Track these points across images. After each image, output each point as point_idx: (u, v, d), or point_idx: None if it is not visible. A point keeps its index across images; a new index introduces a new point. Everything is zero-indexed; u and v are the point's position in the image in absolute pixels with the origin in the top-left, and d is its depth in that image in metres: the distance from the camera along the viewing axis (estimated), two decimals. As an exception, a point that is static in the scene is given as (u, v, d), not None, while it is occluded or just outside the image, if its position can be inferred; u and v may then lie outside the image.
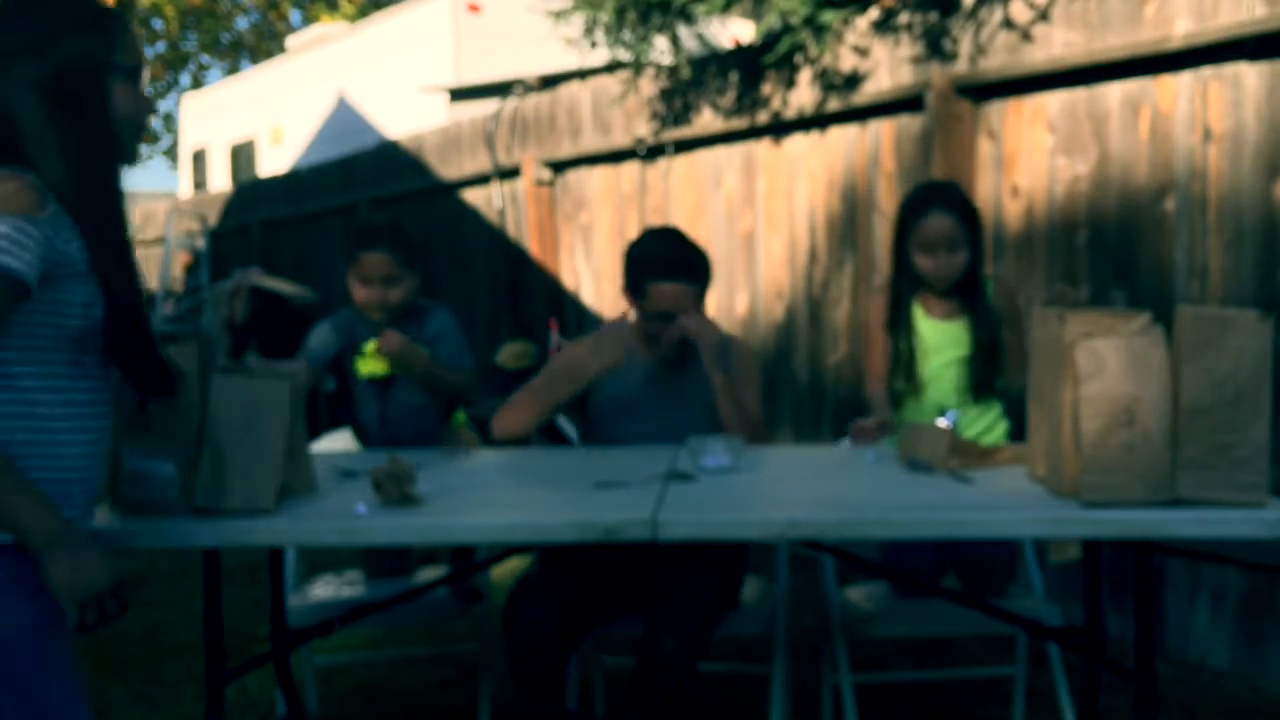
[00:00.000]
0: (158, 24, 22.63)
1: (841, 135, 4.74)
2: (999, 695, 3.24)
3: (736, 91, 5.15)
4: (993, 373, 2.96)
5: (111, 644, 3.97)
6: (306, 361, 3.14)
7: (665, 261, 2.79)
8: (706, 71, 5.29)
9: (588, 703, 3.25)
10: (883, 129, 4.55)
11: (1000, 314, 2.97)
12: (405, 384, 3.16)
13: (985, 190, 4.14)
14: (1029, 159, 4.00)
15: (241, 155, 14.41)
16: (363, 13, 21.58)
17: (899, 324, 2.96)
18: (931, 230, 2.87)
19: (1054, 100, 3.91)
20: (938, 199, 2.91)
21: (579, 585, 2.64)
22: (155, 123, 24.68)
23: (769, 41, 4.84)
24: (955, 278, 2.90)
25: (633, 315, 2.92)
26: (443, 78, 10.39)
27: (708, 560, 2.69)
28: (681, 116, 5.48)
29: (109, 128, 1.76)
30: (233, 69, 23.96)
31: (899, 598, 2.90)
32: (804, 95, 4.79)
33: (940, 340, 2.95)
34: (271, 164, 13.29)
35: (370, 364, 3.19)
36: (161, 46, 23.45)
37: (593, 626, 2.68)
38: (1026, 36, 3.93)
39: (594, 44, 5.23)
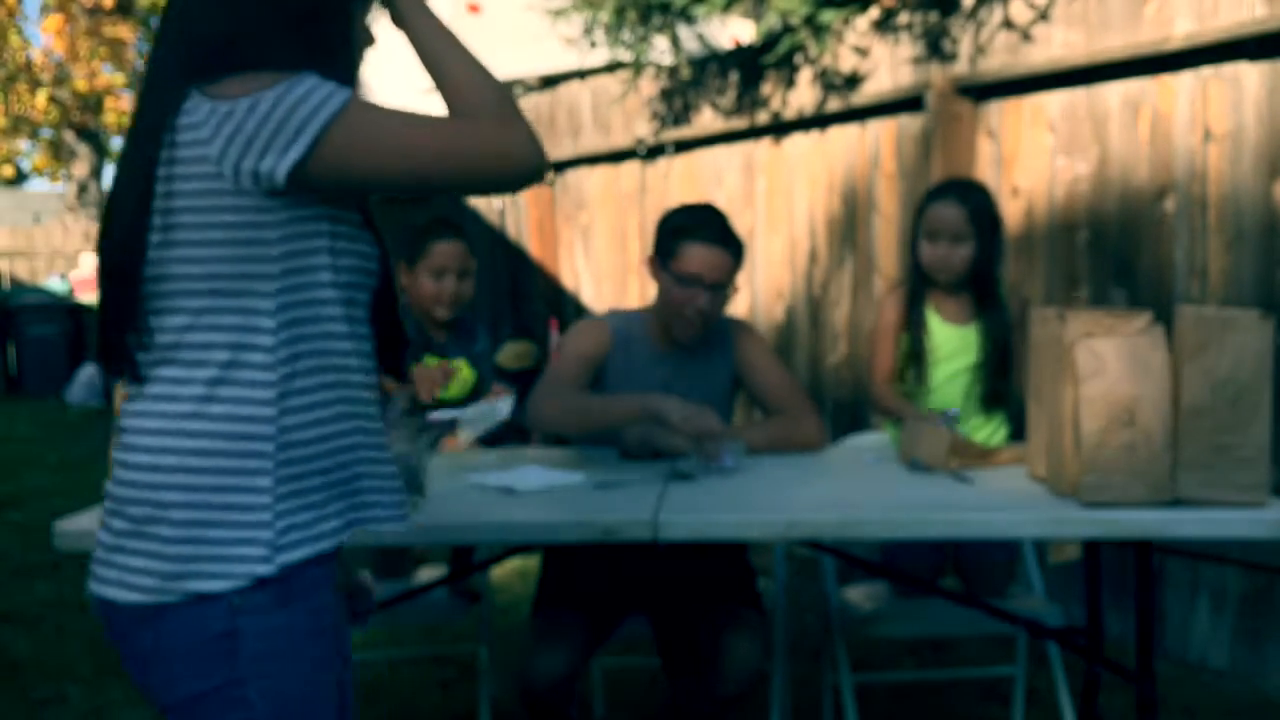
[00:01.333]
0: (157, 24, 22.64)
1: (841, 135, 4.74)
2: (999, 695, 3.24)
3: (736, 91, 5.15)
4: (1003, 382, 2.92)
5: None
6: None
7: (705, 225, 2.66)
8: (706, 71, 5.29)
9: (586, 703, 3.25)
10: (883, 129, 4.55)
11: (1014, 319, 2.94)
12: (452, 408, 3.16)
13: (985, 190, 4.14)
14: (1029, 159, 4.00)
15: (241, 155, 14.41)
16: (363, 13, 21.55)
17: (910, 321, 2.92)
18: (936, 218, 2.86)
19: (1054, 100, 3.91)
20: (951, 190, 2.90)
21: (585, 614, 2.57)
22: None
23: (769, 41, 4.84)
24: (959, 272, 2.88)
25: (654, 291, 2.76)
26: (443, 78, 10.39)
27: (745, 598, 2.62)
28: (681, 116, 5.48)
29: (352, 62, 1.50)
30: (233, 69, 23.91)
31: (899, 598, 2.89)
32: (804, 95, 4.79)
33: (951, 346, 2.91)
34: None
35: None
36: (161, 46, 23.44)
37: (600, 645, 2.65)
38: (1026, 36, 3.93)
39: (594, 44, 5.24)
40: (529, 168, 1.42)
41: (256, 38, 1.40)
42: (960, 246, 2.85)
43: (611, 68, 5.72)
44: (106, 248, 1.41)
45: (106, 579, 1.39)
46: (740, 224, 5.28)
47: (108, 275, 1.41)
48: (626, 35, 5.10)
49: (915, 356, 2.92)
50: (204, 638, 1.34)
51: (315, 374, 1.41)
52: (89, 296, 12.35)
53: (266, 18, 1.41)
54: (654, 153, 5.70)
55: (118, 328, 1.40)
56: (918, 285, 2.93)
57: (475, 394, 3.14)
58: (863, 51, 4.54)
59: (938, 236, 2.86)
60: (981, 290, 2.91)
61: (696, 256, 2.63)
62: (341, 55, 1.47)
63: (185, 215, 1.35)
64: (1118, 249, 3.74)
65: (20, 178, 24.62)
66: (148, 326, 1.39)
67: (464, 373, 3.14)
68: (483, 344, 3.21)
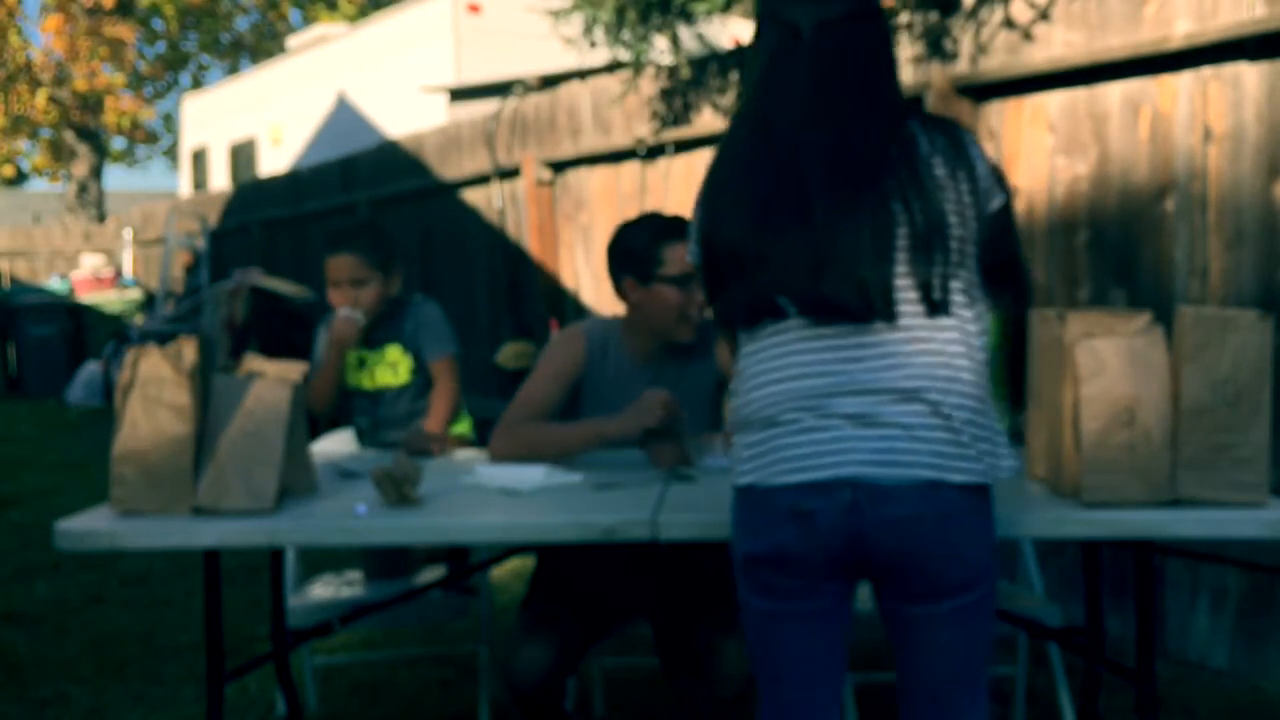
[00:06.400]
0: (158, 24, 22.64)
1: (841, 135, 4.73)
2: (999, 695, 3.24)
3: (736, 91, 5.15)
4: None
5: (111, 644, 3.97)
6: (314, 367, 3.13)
7: (676, 225, 2.67)
8: (706, 71, 5.29)
9: (586, 703, 3.25)
10: (883, 129, 4.54)
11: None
12: (396, 394, 3.18)
13: (985, 190, 4.14)
14: (1029, 159, 4.00)
15: (241, 155, 14.41)
16: (363, 13, 21.60)
17: None
18: None
19: (1054, 100, 3.91)
20: None
21: (577, 612, 2.56)
22: (155, 122, 24.72)
23: (769, 41, 4.83)
24: None
25: (627, 308, 2.79)
26: (443, 78, 10.39)
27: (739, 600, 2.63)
28: (681, 116, 5.48)
29: None
30: (233, 69, 23.98)
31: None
32: (804, 95, 4.79)
33: None
34: (271, 164, 13.29)
35: (355, 375, 3.20)
36: (161, 46, 23.46)
37: (593, 645, 2.64)
38: (1027, 36, 3.93)
39: (594, 44, 5.23)
40: None
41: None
42: None
43: (611, 68, 5.71)
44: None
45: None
46: (740, 224, 5.28)
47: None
48: (626, 35, 5.09)
49: None
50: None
51: None
52: (89, 296, 12.34)
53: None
54: (654, 153, 5.70)
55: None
56: None
57: (417, 372, 3.19)
58: (863, 51, 4.53)
59: None
60: None
61: (680, 254, 2.65)
62: None
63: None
64: (1118, 249, 3.74)
65: (20, 178, 24.63)
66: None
67: (391, 355, 3.19)
68: (417, 318, 3.20)
